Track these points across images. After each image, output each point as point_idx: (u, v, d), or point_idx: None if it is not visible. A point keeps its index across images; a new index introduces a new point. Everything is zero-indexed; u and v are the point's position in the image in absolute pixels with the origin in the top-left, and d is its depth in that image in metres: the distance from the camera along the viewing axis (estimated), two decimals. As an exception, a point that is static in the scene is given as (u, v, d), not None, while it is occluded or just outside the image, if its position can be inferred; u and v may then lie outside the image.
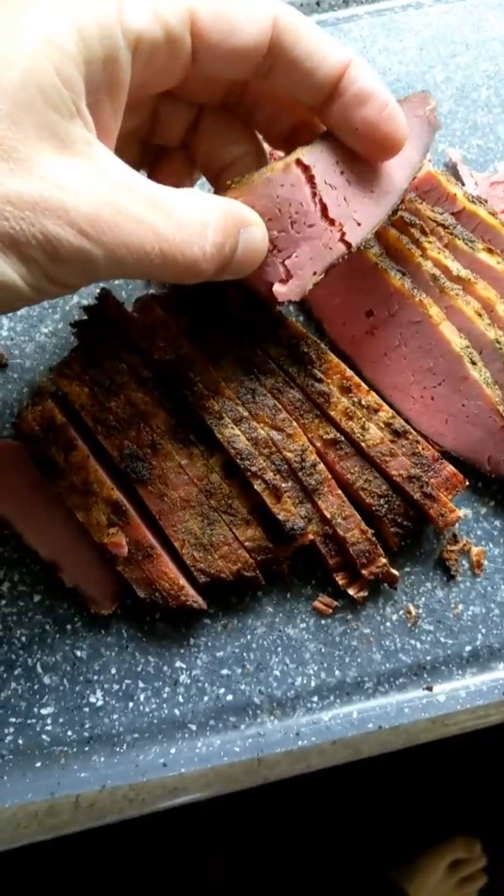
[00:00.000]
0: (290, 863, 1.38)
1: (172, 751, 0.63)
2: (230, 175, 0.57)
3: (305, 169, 0.53)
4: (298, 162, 0.53)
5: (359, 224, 0.56)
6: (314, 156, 0.54)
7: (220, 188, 0.59)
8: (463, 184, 0.76)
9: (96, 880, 1.25)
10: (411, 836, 1.45)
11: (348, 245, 0.56)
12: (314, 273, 0.57)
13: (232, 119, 0.58)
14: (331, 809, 1.42)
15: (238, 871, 1.35)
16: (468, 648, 0.66)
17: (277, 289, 0.57)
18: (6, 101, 0.39)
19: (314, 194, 0.54)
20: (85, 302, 0.72)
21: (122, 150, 0.49)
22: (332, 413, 0.63)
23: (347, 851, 1.42)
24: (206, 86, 0.54)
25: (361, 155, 0.55)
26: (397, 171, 0.57)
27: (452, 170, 0.78)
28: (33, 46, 0.40)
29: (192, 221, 0.47)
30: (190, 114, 0.58)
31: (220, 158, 0.59)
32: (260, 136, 0.60)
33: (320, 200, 0.54)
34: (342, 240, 0.56)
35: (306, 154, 0.53)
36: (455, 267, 0.66)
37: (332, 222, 0.55)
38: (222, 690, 0.64)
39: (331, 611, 0.66)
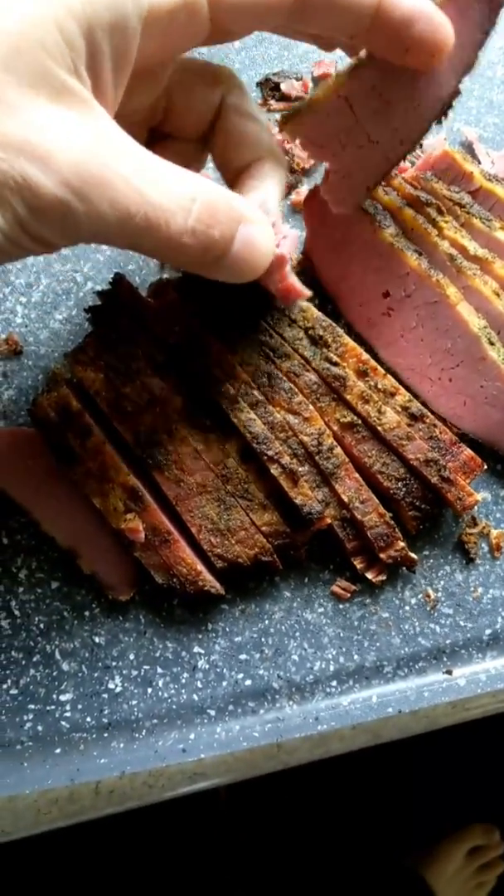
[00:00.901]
0: (307, 849, 1.38)
1: (191, 736, 0.62)
2: (248, 176, 0.57)
3: (345, 99, 0.54)
4: (337, 95, 0.54)
5: (401, 141, 0.58)
6: (350, 82, 0.54)
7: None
8: (479, 162, 0.75)
9: (111, 866, 1.26)
10: (430, 824, 1.45)
11: (392, 161, 0.60)
12: (367, 188, 0.62)
13: (253, 118, 0.57)
14: (348, 796, 1.42)
15: (254, 858, 1.36)
16: (488, 632, 0.65)
17: (334, 205, 0.63)
18: (5, 47, 0.38)
19: (357, 119, 0.56)
20: (99, 287, 0.72)
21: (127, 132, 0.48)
22: (349, 397, 0.62)
23: (366, 839, 1.42)
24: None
25: (410, 67, 0.52)
26: (445, 76, 0.56)
27: (468, 148, 0.78)
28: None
29: (182, 194, 0.45)
30: (208, 105, 0.56)
31: (239, 158, 0.57)
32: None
33: (362, 123, 0.56)
34: (387, 157, 0.59)
35: (344, 86, 0.54)
36: (472, 246, 0.65)
37: (377, 143, 0.57)
38: (241, 675, 0.64)
39: (349, 595, 0.66)
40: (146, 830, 1.28)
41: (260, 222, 0.50)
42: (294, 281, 0.57)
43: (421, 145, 0.75)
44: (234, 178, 0.58)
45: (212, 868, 1.33)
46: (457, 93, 0.57)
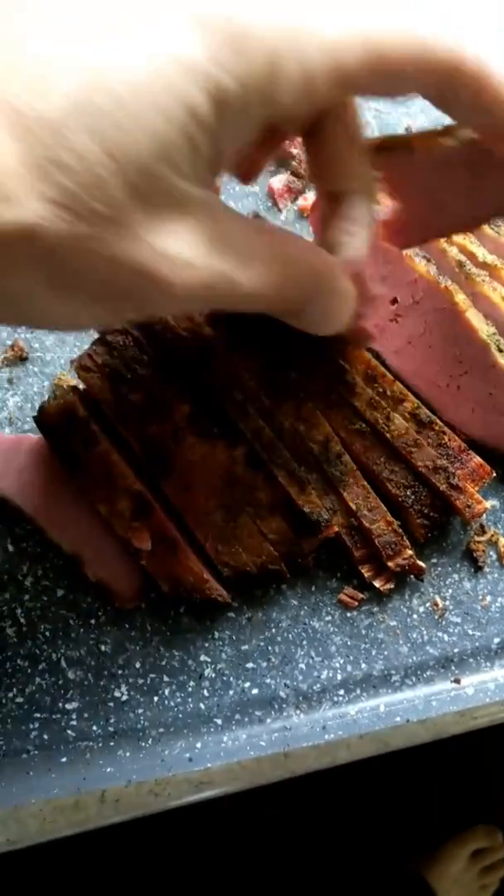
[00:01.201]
0: (310, 852, 1.38)
1: (198, 745, 0.62)
2: (337, 213, 0.51)
3: (441, 162, 0.51)
4: (435, 154, 0.51)
5: (474, 219, 0.56)
6: (451, 153, 0.50)
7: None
8: (487, 168, 0.75)
9: (114, 872, 1.26)
10: (433, 826, 1.45)
11: (455, 231, 0.61)
12: (420, 239, 0.60)
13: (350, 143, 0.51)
14: (352, 799, 1.42)
15: (257, 860, 1.35)
16: (497, 640, 0.65)
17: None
18: (133, 171, 0.36)
19: (441, 184, 0.53)
20: (104, 293, 0.72)
21: None
22: (357, 403, 0.62)
23: (369, 841, 1.42)
24: None
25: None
26: None
27: (476, 154, 0.77)
28: (171, 114, 0.36)
29: (269, 256, 0.43)
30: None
31: (328, 181, 0.51)
32: None
33: (445, 191, 0.54)
34: (452, 225, 0.57)
35: (444, 150, 0.50)
36: (481, 252, 0.65)
37: (448, 210, 0.55)
38: (247, 684, 0.64)
39: (356, 603, 0.65)
40: (150, 835, 1.27)
41: (342, 293, 0.47)
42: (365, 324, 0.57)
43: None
44: (324, 197, 0.53)
45: (214, 870, 1.33)
46: None
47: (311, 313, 0.46)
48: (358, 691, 0.64)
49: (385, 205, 0.57)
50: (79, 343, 0.70)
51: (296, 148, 0.76)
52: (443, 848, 1.41)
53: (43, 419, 0.61)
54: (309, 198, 0.74)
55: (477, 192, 0.53)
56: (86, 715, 0.63)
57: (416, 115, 0.79)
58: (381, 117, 0.79)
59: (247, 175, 0.55)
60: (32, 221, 0.34)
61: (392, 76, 0.39)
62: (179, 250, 0.39)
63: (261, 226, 0.44)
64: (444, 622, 0.65)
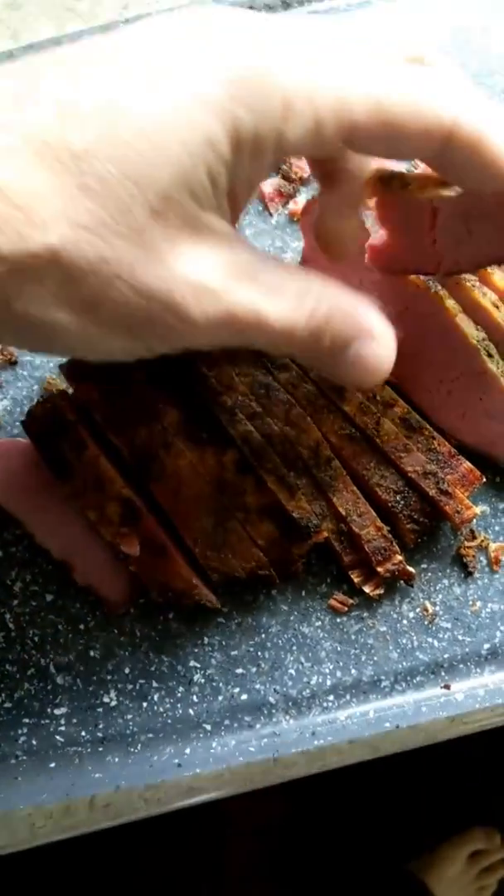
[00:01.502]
0: (308, 853, 1.38)
1: (187, 751, 0.62)
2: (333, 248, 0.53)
3: (433, 209, 0.52)
4: (429, 199, 0.52)
5: (457, 263, 0.55)
6: (446, 201, 0.51)
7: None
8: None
9: (107, 874, 1.25)
10: (430, 827, 1.44)
11: (441, 272, 0.57)
12: (404, 271, 0.60)
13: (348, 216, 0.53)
14: (348, 800, 1.42)
15: (253, 861, 1.35)
16: (486, 646, 0.65)
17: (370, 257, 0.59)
18: (156, 197, 0.37)
19: (432, 229, 0.53)
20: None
21: None
22: (347, 408, 0.62)
23: (366, 842, 1.42)
24: None
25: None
26: None
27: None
28: (192, 145, 0.37)
29: (302, 297, 0.43)
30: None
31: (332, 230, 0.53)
32: None
33: (434, 234, 0.54)
34: (437, 265, 0.56)
35: (439, 199, 0.51)
36: (471, 257, 0.65)
37: (434, 252, 0.55)
38: (237, 690, 0.64)
39: (346, 609, 0.65)
40: (146, 834, 1.27)
41: (381, 338, 0.45)
42: None
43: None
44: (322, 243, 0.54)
45: (210, 873, 1.32)
46: None
47: (349, 359, 0.44)
48: (347, 697, 0.64)
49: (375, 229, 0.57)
50: (69, 347, 0.70)
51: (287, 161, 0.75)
52: (440, 850, 1.41)
53: (31, 424, 0.61)
54: (300, 202, 0.73)
55: (465, 245, 0.53)
56: (75, 720, 0.63)
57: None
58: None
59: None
60: (60, 245, 0.35)
61: (395, 133, 0.40)
62: (200, 276, 0.39)
63: (290, 264, 0.44)
64: (434, 628, 0.65)
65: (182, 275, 0.39)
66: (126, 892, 1.29)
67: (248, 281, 0.41)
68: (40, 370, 0.69)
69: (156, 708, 0.63)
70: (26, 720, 0.63)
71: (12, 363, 0.69)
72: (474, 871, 1.41)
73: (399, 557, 0.62)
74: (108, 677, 0.64)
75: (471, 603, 0.66)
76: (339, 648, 0.65)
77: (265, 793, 0.65)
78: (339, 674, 0.64)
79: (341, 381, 0.49)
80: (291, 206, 0.74)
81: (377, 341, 0.45)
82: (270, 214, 0.75)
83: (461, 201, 0.50)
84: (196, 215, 0.39)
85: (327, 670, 0.64)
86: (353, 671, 0.64)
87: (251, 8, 0.77)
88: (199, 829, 1.32)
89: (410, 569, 0.63)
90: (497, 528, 0.67)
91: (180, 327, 0.40)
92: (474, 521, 0.66)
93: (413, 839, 1.43)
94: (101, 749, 0.62)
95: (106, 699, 0.63)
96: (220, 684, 0.64)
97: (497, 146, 0.41)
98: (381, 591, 0.64)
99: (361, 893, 1.35)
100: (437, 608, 0.65)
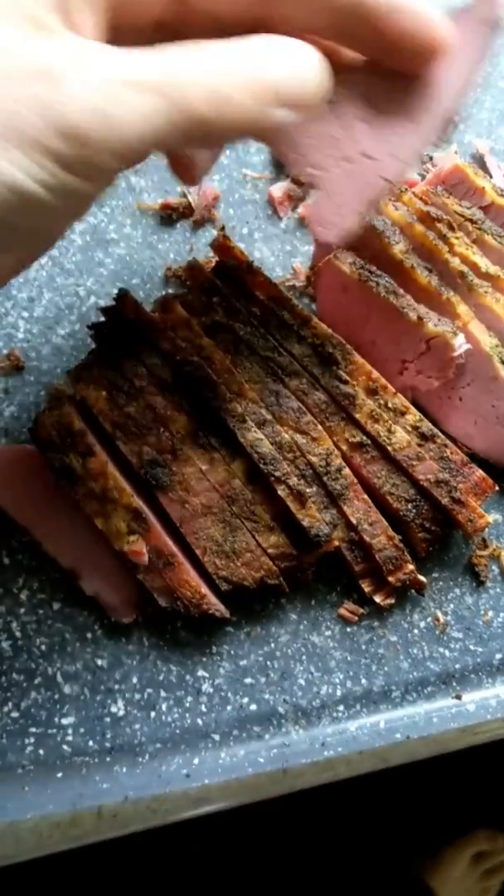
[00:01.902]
0: (312, 856, 1.37)
1: (195, 761, 0.61)
2: None
3: (333, 103, 0.49)
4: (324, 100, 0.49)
5: (397, 158, 0.52)
6: (340, 88, 0.49)
7: None
8: (491, 176, 0.74)
9: (112, 880, 1.25)
10: (434, 829, 1.44)
11: (388, 180, 0.52)
12: (358, 212, 0.53)
13: None
14: (353, 803, 1.41)
15: (259, 864, 1.35)
16: (498, 656, 0.64)
17: (320, 230, 0.53)
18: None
19: (346, 129, 0.50)
20: (102, 302, 0.71)
21: None
22: (358, 416, 0.61)
23: (370, 845, 1.42)
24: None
25: (401, 69, 0.48)
26: (444, 91, 0.51)
27: (480, 162, 0.76)
28: None
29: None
30: None
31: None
32: None
33: (352, 135, 0.51)
34: (381, 175, 0.52)
35: (331, 91, 0.48)
36: (484, 263, 0.64)
37: (368, 157, 0.51)
38: (246, 700, 0.63)
39: (357, 618, 0.64)
40: (152, 837, 1.27)
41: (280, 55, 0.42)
42: None
43: (431, 158, 0.74)
44: None
45: (215, 875, 1.32)
46: (458, 112, 0.53)
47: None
48: (358, 707, 0.63)
49: None
50: (76, 353, 0.70)
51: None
52: (444, 852, 1.40)
53: (39, 432, 0.60)
54: (310, 206, 0.73)
55: (381, 129, 0.51)
56: (82, 730, 0.62)
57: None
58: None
59: (188, 176, 0.54)
60: None
61: None
62: (76, 49, 0.38)
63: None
64: (445, 637, 0.64)
65: (60, 45, 0.38)
66: (126, 893, 1.29)
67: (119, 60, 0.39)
68: (47, 376, 0.69)
69: (164, 718, 0.63)
70: (33, 729, 0.62)
71: (19, 369, 0.69)
72: (478, 873, 1.41)
73: (410, 566, 0.62)
74: (116, 687, 0.63)
75: (482, 612, 0.65)
76: (349, 658, 0.64)
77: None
78: (349, 684, 0.63)
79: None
80: (301, 209, 0.74)
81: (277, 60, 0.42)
82: (280, 218, 0.74)
83: (355, 84, 0.49)
84: (29, 10, 0.38)
85: (337, 680, 0.63)
86: (363, 681, 0.63)
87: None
88: (201, 831, 1.32)
89: (422, 578, 0.63)
90: (509, 536, 0.66)
91: (56, 96, 0.36)
92: (487, 530, 0.66)
93: (417, 841, 1.43)
94: (108, 759, 0.62)
95: (114, 709, 0.63)
96: (229, 694, 0.63)
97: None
98: (392, 601, 0.64)
99: (366, 894, 1.34)
100: (449, 618, 0.65)
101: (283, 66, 0.42)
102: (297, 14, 0.45)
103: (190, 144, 0.48)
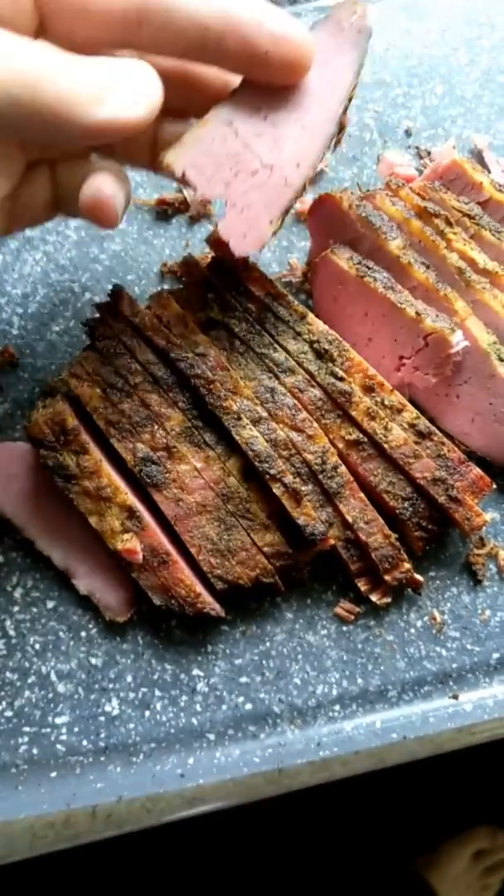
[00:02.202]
0: (312, 852, 1.37)
1: (190, 761, 0.61)
2: None
3: (227, 122, 0.52)
4: (219, 119, 0.52)
5: (297, 164, 0.54)
6: (231, 107, 0.52)
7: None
8: (489, 171, 0.73)
9: (109, 880, 1.25)
10: (434, 826, 1.44)
11: (292, 187, 0.54)
12: (270, 221, 0.55)
13: None
14: (353, 799, 1.41)
15: (258, 861, 1.35)
16: (496, 655, 0.64)
17: (235, 244, 0.54)
18: None
19: (245, 144, 0.52)
20: (97, 298, 0.70)
21: None
22: (354, 413, 0.61)
23: (370, 841, 1.41)
24: None
25: (275, 82, 0.52)
26: (327, 96, 0.54)
27: (478, 156, 0.75)
28: None
29: None
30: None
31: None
32: None
33: (252, 149, 0.53)
34: (286, 183, 0.54)
35: (223, 108, 0.52)
36: (481, 259, 0.63)
37: (271, 168, 0.53)
38: (241, 699, 0.63)
39: (353, 617, 0.64)
40: (142, 834, 1.27)
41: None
42: None
43: (429, 153, 0.73)
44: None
45: (214, 871, 1.32)
46: (345, 113, 0.56)
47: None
48: (354, 707, 0.62)
49: None
50: (70, 349, 0.69)
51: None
52: (444, 848, 1.40)
53: (32, 429, 0.60)
54: (306, 201, 0.72)
55: (277, 137, 0.53)
56: (76, 729, 0.62)
57: (416, 117, 0.77)
58: (382, 118, 0.77)
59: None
60: None
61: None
62: None
63: None
64: (442, 637, 0.64)
65: None
66: (125, 893, 1.29)
67: None
68: (42, 372, 0.68)
69: (158, 717, 0.62)
70: (27, 729, 0.62)
71: (13, 365, 0.68)
72: (478, 870, 1.40)
73: (407, 565, 0.61)
74: (110, 686, 0.63)
75: (480, 612, 0.64)
76: (345, 657, 0.63)
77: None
78: (345, 683, 0.63)
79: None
80: (298, 205, 0.73)
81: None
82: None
83: (246, 98, 0.52)
84: None
85: (333, 680, 0.63)
86: (359, 681, 0.63)
87: None
88: (200, 829, 1.31)
89: (418, 577, 0.62)
90: (507, 535, 0.66)
91: None
92: (484, 528, 0.65)
93: (417, 837, 1.42)
94: (102, 759, 0.61)
95: (108, 708, 0.62)
96: (224, 693, 0.63)
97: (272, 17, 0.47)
98: (389, 600, 0.63)
99: (366, 891, 1.34)
100: (446, 617, 0.64)
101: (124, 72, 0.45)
102: (161, 37, 0.47)
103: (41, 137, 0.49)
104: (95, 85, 0.43)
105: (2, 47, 0.41)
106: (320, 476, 0.60)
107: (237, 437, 0.59)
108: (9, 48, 0.41)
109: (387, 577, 0.61)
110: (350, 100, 0.55)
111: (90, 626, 0.64)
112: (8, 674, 0.63)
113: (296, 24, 0.48)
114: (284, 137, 0.53)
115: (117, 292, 0.62)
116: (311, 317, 0.62)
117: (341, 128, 0.56)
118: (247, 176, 0.53)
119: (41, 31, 0.47)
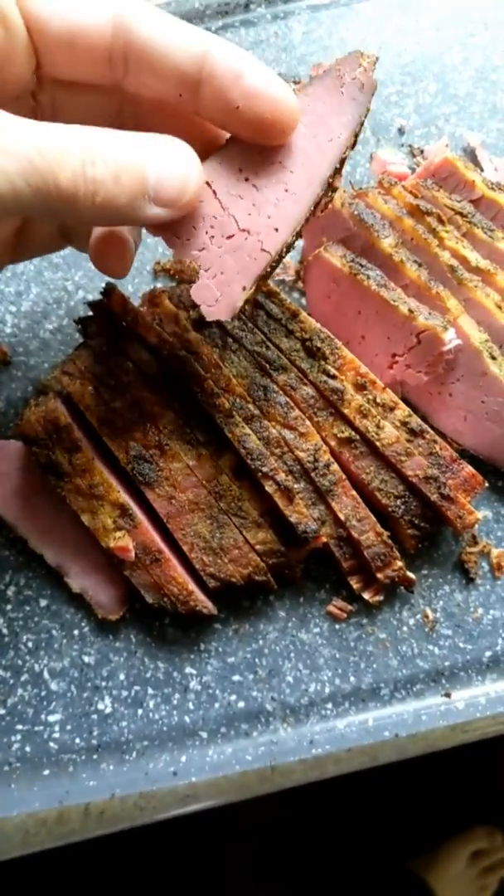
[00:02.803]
0: (310, 852, 1.37)
1: (183, 759, 0.61)
2: None
3: (208, 185, 0.50)
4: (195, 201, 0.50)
5: (276, 229, 0.51)
6: (212, 168, 0.50)
7: None
8: (482, 169, 0.73)
9: (105, 878, 1.25)
10: (432, 826, 1.43)
11: (269, 253, 0.51)
12: (243, 288, 0.52)
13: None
14: (351, 799, 1.41)
15: (256, 860, 1.35)
16: (488, 654, 0.64)
17: (206, 309, 0.52)
18: None
19: (223, 207, 0.50)
20: (90, 296, 0.70)
21: None
22: (346, 411, 0.61)
23: (368, 841, 1.41)
24: None
25: (258, 140, 0.49)
26: (316, 158, 0.51)
27: (471, 155, 0.75)
28: None
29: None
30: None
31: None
32: None
33: (230, 212, 0.51)
34: (262, 249, 0.51)
35: (206, 166, 0.50)
36: (474, 257, 0.63)
37: (248, 232, 0.51)
38: (234, 697, 0.63)
39: (345, 615, 0.64)
40: (141, 834, 1.27)
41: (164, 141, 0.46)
42: None
43: (422, 151, 0.73)
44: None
45: (212, 871, 1.32)
46: (337, 173, 0.53)
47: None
48: (346, 705, 0.62)
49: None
50: (63, 347, 0.69)
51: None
52: (442, 849, 1.40)
53: (25, 427, 0.60)
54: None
55: (258, 201, 0.51)
56: (69, 727, 0.62)
57: (409, 115, 0.77)
58: (375, 117, 0.77)
59: (118, 266, 0.56)
60: None
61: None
62: None
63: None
64: (434, 635, 0.64)
65: None
66: (125, 893, 1.29)
67: None
68: (35, 370, 0.68)
69: (151, 715, 0.62)
70: (20, 727, 0.62)
71: (6, 363, 0.68)
72: (476, 870, 1.40)
73: (399, 563, 0.61)
74: (103, 684, 0.63)
75: (472, 610, 0.64)
76: (337, 655, 0.63)
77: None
78: (337, 681, 0.63)
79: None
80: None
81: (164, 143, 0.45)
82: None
83: (227, 160, 0.50)
84: None
85: (326, 678, 0.63)
86: (352, 679, 0.63)
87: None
88: (198, 828, 1.31)
89: (411, 575, 0.62)
90: (500, 533, 0.66)
91: None
92: (476, 526, 0.65)
93: (415, 838, 1.42)
94: (95, 756, 0.61)
95: (101, 706, 0.62)
96: (217, 691, 0.63)
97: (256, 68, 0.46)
98: (381, 598, 0.63)
99: (363, 892, 1.34)
100: (438, 615, 0.64)
101: (161, 164, 0.44)
102: (144, 78, 0.47)
103: (57, 217, 0.51)
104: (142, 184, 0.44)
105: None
106: (312, 474, 0.60)
107: (229, 435, 0.59)
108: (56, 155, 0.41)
109: (379, 575, 0.61)
110: (344, 160, 0.53)
111: (83, 624, 0.64)
112: (0, 672, 0.63)
113: (278, 84, 0.46)
114: (264, 201, 0.51)
115: (110, 290, 0.62)
116: (303, 315, 0.62)
117: (332, 188, 0.54)
118: (222, 240, 0.51)
119: (39, 66, 0.47)
